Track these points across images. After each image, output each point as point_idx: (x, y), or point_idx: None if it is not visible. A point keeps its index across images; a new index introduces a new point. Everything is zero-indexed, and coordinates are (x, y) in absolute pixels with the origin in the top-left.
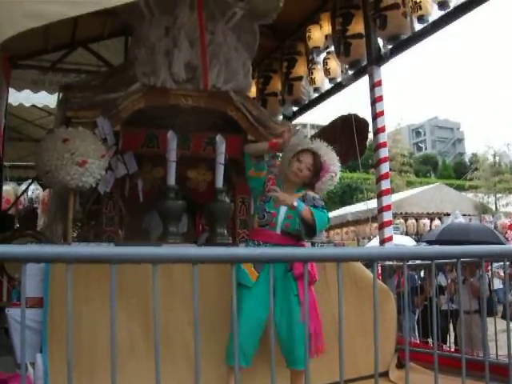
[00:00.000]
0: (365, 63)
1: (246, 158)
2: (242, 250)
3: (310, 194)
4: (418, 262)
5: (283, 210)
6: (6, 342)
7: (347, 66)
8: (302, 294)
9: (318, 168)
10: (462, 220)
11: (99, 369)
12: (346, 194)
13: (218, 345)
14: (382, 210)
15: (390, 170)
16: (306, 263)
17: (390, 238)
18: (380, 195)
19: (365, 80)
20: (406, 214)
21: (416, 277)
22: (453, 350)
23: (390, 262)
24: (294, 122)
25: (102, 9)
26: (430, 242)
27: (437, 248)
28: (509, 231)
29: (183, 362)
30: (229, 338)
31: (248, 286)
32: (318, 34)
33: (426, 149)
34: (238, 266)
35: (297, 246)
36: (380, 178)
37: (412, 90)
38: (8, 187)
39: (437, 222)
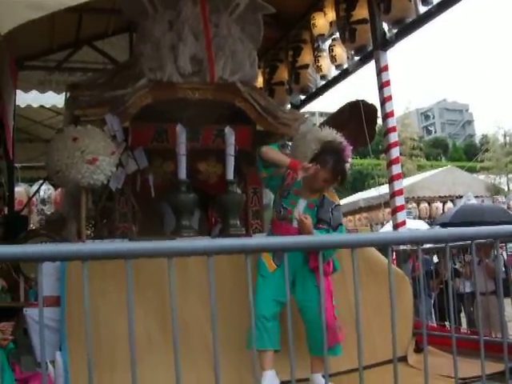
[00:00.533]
0: (371, 48)
1: (258, 162)
2: (255, 240)
3: (327, 196)
4: (431, 245)
5: (301, 206)
6: (25, 342)
7: (353, 52)
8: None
9: (339, 173)
10: (474, 202)
11: (118, 364)
12: (357, 181)
13: (236, 335)
14: (394, 194)
15: (401, 154)
16: (320, 251)
17: (404, 223)
18: (391, 180)
19: (371, 65)
20: (418, 198)
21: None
22: (469, 332)
23: (405, 247)
24: (302, 110)
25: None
26: (443, 225)
27: (451, 230)
28: None
29: (201, 354)
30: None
31: (264, 275)
32: (323, 21)
33: (435, 132)
34: (259, 257)
35: None
36: (391, 163)
37: (419, 74)
38: (20, 188)
39: (449, 204)
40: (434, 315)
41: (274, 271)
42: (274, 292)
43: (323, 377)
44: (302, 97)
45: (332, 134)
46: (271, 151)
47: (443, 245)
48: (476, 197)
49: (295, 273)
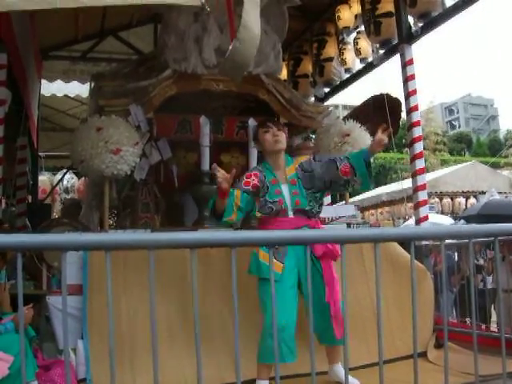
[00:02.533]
0: (396, 42)
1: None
2: (277, 233)
3: (302, 160)
4: (453, 241)
5: (285, 190)
6: (48, 329)
7: (378, 46)
8: (325, 273)
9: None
10: (497, 198)
11: (139, 353)
12: (380, 175)
13: (257, 327)
14: (417, 189)
15: (424, 148)
16: (344, 245)
17: (426, 218)
18: (415, 175)
19: (396, 59)
20: (441, 193)
21: (453, 256)
22: (492, 329)
23: (426, 242)
24: (326, 103)
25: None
26: (470, 217)
27: (474, 226)
28: None
29: (222, 346)
30: (261, 336)
31: (276, 279)
32: (348, 13)
33: (459, 127)
34: (256, 259)
35: (311, 224)
36: (414, 158)
37: (444, 68)
38: (43, 177)
39: (472, 200)
40: (454, 311)
41: (283, 271)
42: (291, 294)
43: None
44: (326, 90)
45: (356, 128)
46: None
47: (466, 241)
48: (499, 193)
49: (299, 265)
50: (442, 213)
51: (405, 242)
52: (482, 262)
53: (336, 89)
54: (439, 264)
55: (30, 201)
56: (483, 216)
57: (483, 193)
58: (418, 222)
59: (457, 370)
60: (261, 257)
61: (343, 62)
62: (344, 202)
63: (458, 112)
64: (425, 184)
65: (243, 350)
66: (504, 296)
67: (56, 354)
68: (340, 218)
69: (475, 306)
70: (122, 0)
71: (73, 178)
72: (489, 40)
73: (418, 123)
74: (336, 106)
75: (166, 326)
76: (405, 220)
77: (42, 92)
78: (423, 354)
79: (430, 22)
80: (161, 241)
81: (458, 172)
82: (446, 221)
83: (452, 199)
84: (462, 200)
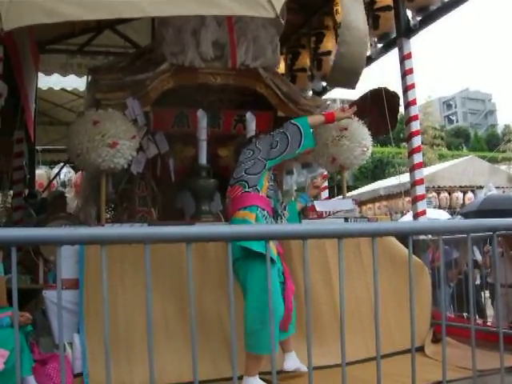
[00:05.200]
0: (394, 36)
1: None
2: (274, 227)
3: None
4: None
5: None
6: (44, 324)
7: (376, 39)
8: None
9: None
10: (495, 192)
11: (135, 347)
12: (377, 169)
13: None
14: (414, 183)
15: (422, 143)
16: (342, 240)
17: (424, 212)
18: (412, 169)
19: (394, 53)
20: (439, 187)
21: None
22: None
23: (424, 237)
24: (324, 97)
25: (115, 17)
26: (469, 213)
27: (472, 221)
28: None
29: (218, 340)
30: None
31: (273, 259)
32: None
33: (457, 121)
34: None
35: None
36: (412, 152)
37: (442, 62)
38: (40, 171)
39: (470, 195)
40: (452, 306)
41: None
42: (278, 281)
43: None
44: (324, 83)
45: (354, 122)
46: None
47: (465, 235)
48: (497, 187)
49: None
50: (440, 207)
51: (403, 236)
52: (477, 255)
53: None
54: (437, 259)
55: (25, 194)
56: (482, 212)
57: (481, 187)
58: (416, 216)
59: (454, 365)
60: None
61: None
62: (342, 196)
63: (455, 106)
64: (422, 179)
65: (240, 344)
66: (502, 291)
67: (52, 348)
68: (338, 212)
69: (473, 300)
70: (187, 10)
71: (70, 172)
72: (487, 35)
73: (416, 117)
74: (334, 100)
75: (162, 320)
76: (402, 214)
77: (39, 85)
78: (420, 349)
79: (429, 16)
80: (157, 235)
81: (455, 166)
82: (443, 216)
83: (450, 194)
84: (459, 195)
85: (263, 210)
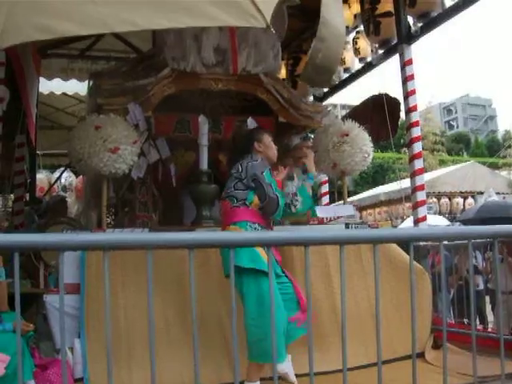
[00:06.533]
0: (395, 42)
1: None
2: (276, 234)
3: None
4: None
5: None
6: (45, 328)
7: (377, 45)
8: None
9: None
10: (495, 198)
11: (136, 352)
12: (378, 174)
13: None
14: (415, 189)
15: (422, 148)
16: (343, 246)
17: (424, 218)
18: (413, 175)
19: (395, 59)
20: (439, 193)
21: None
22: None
23: (425, 242)
24: (325, 102)
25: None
26: (467, 221)
27: (474, 228)
28: None
29: (219, 346)
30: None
31: (276, 273)
32: (347, 13)
33: (457, 127)
34: (250, 250)
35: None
36: (413, 158)
37: (442, 68)
38: (41, 175)
39: (470, 200)
40: (452, 312)
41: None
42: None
43: None
44: (325, 89)
45: (355, 128)
46: None
47: (466, 241)
48: (497, 193)
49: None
50: (440, 213)
51: (404, 243)
52: (479, 261)
53: (335, 88)
54: (437, 265)
55: (27, 199)
56: (479, 220)
57: (481, 193)
58: (417, 222)
59: (454, 371)
60: (258, 249)
61: (342, 61)
62: (342, 201)
63: (456, 112)
64: (423, 185)
65: (241, 349)
66: (503, 297)
67: (53, 353)
68: (338, 217)
69: (474, 306)
70: (179, 23)
71: (70, 177)
72: (487, 40)
73: (417, 123)
74: (335, 106)
75: (163, 326)
76: (402, 220)
77: (41, 90)
78: (421, 355)
79: (430, 23)
80: (159, 241)
81: (456, 172)
82: (442, 222)
83: (450, 199)
84: (460, 200)
85: (253, 223)
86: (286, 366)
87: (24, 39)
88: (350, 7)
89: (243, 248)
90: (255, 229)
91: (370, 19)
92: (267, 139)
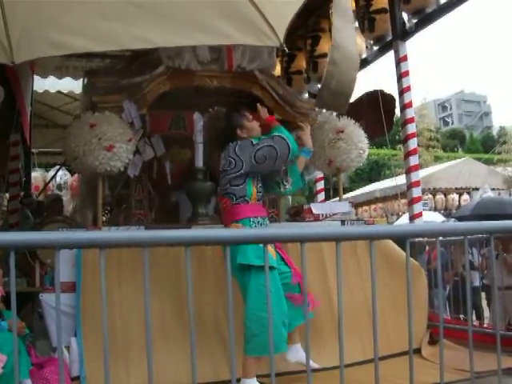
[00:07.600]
0: (390, 38)
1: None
2: (273, 231)
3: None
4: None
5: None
6: (41, 327)
7: (372, 42)
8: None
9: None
10: (491, 194)
11: (133, 351)
12: (373, 171)
13: None
14: (410, 186)
15: (418, 145)
16: (340, 243)
17: (420, 214)
18: (409, 171)
19: (390, 55)
20: (435, 189)
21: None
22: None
23: (421, 238)
24: None
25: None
26: (463, 218)
27: (470, 224)
28: None
29: (216, 343)
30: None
31: (273, 266)
32: None
33: (452, 123)
34: (256, 247)
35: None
36: (408, 154)
37: (437, 64)
38: (36, 174)
39: (465, 196)
40: (448, 308)
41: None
42: (280, 282)
43: None
44: (319, 85)
45: (350, 124)
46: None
47: (461, 237)
48: (493, 189)
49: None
50: (436, 209)
51: (400, 239)
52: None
53: None
54: (433, 261)
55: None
56: (476, 217)
57: (476, 189)
58: (412, 218)
59: (451, 367)
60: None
61: None
62: (338, 198)
63: (451, 108)
64: (419, 181)
65: (238, 346)
66: (498, 293)
67: (49, 351)
68: (334, 214)
69: (470, 302)
70: (195, 41)
71: (66, 175)
72: (482, 36)
73: (412, 120)
74: None
75: (160, 323)
76: (398, 216)
77: (35, 88)
78: (417, 351)
79: (424, 19)
80: (155, 238)
81: (451, 168)
82: (437, 218)
83: (445, 195)
84: (455, 196)
85: (255, 217)
86: (293, 356)
87: (39, 55)
88: None
89: (249, 246)
90: (258, 223)
91: (364, 16)
92: (247, 121)
